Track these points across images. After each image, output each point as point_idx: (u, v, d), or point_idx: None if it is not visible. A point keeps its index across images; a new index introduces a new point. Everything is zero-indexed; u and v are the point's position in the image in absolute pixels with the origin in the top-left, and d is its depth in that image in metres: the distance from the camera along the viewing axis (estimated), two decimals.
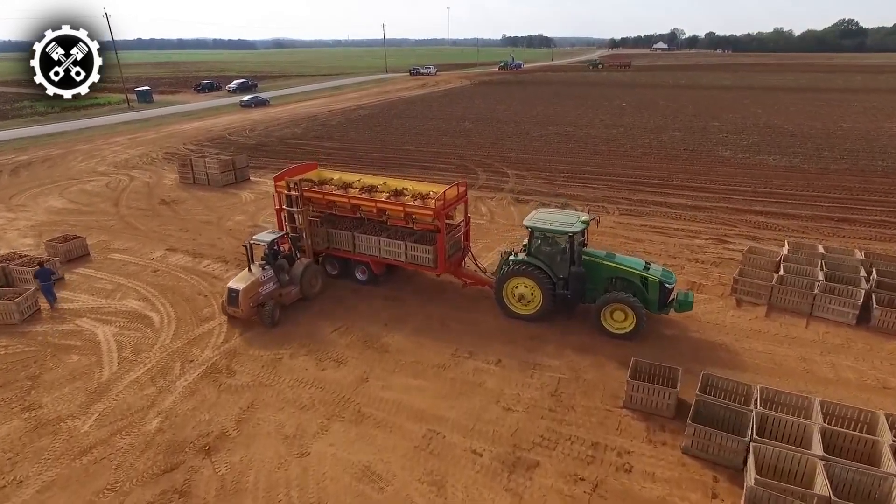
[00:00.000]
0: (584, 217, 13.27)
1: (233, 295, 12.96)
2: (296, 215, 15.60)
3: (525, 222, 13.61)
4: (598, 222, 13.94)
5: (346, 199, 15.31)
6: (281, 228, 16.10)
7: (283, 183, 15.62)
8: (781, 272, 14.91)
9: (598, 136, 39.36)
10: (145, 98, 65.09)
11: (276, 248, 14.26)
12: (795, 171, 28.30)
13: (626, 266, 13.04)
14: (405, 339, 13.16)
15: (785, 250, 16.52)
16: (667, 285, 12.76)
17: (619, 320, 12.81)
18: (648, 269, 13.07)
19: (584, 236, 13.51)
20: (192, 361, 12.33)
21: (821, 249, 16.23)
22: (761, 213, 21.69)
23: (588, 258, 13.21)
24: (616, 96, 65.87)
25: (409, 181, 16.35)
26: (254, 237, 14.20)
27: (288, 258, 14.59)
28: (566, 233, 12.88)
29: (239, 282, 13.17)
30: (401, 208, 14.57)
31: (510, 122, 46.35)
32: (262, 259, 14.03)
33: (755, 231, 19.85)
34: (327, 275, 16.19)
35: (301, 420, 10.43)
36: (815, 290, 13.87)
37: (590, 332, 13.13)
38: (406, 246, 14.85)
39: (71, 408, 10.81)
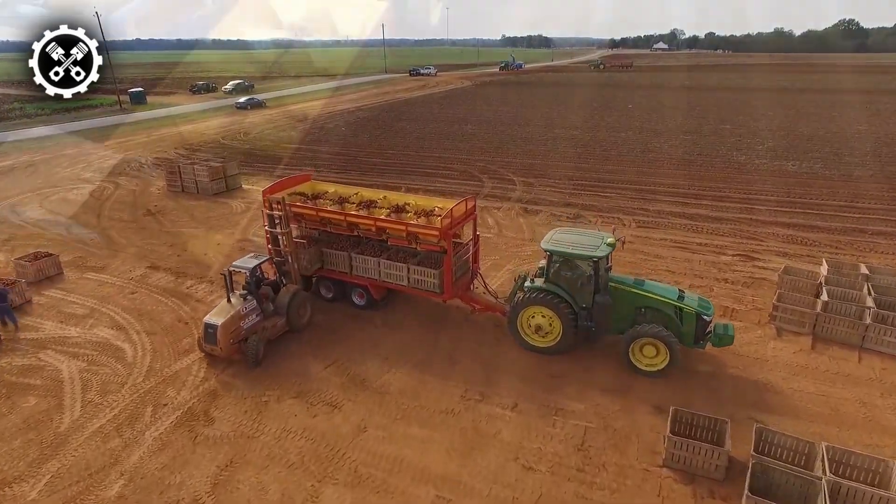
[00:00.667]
0: (610, 239, 11.75)
1: (210, 331, 11.30)
2: (280, 237, 13.71)
3: (542, 244, 12.07)
4: (623, 243, 12.41)
5: (341, 216, 13.79)
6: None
7: (266, 200, 13.99)
8: (824, 296, 13.43)
9: (605, 139, 37.86)
10: (138, 99, 63.38)
11: (259, 274, 12.64)
12: (818, 177, 26.80)
13: (657, 295, 11.53)
14: (407, 377, 11.65)
15: (824, 270, 15.02)
16: (704, 317, 11.28)
17: (650, 356, 11.32)
18: (683, 298, 11.56)
19: (609, 261, 12.00)
20: (165, 405, 10.81)
21: (864, 269, 14.74)
22: (788, 225, 20.21)
23: (615, 285, 11.71)
24: (620, 98, 64.31)
25: (412, 195, 14.87)
26: (234, 263, 12.50)
27: (273, 285, 12.99)
28: (590, 257, 11.37)
29: (217, 315, 11.50)
30: (403, 227, 13.04)
31: (513, 124, 44.83)
32: (244, 288, 12.31)
33: (785, 246, 18.35)
34: (321, 298, 14.69)
35: (288, 483, 8.93)
36: (867, 320, 12.39)
37: (616, 368, 11.64)
38: (409, 269, 13.35)
39: (20, 467, 9.30)
